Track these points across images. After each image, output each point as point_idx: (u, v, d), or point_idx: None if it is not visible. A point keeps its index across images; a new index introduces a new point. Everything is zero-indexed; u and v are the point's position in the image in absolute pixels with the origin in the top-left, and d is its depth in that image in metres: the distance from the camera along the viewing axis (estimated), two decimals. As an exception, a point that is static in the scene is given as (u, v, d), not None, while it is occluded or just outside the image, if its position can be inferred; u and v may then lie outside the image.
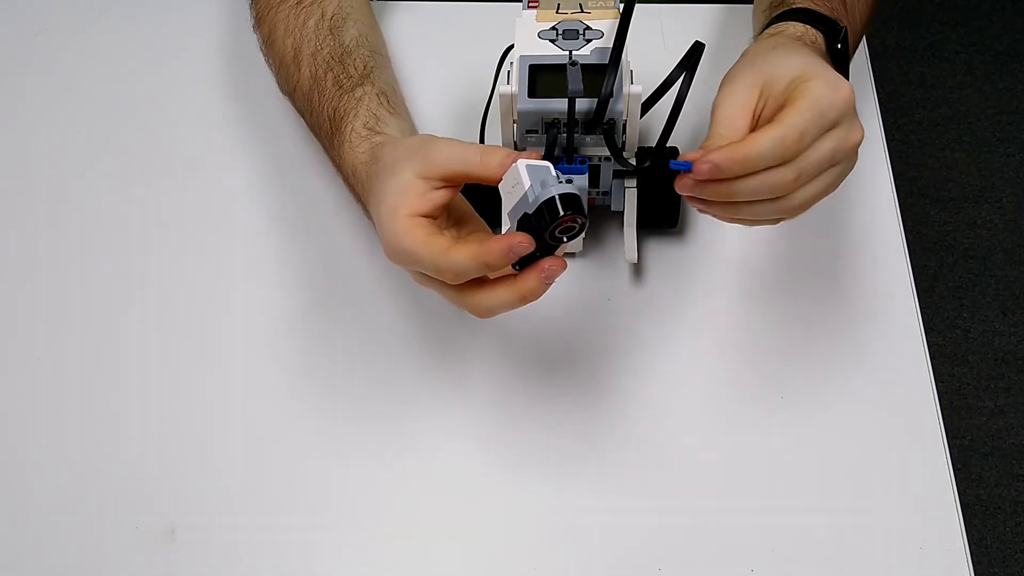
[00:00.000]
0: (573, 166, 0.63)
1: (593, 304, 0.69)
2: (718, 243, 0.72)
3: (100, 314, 0.70)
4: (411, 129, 0.65)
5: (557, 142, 0.61)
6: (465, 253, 0.51)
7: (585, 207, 0.52)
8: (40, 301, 0.71)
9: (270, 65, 0.74)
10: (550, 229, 0.50)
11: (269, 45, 0.73)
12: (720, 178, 0.53)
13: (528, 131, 0.62)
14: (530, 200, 0.50)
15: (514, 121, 0.63)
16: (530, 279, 0.51)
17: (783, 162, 0.53)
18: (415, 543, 0.61)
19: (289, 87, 0.71)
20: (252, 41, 0.76)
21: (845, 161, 0.56)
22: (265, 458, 0.64)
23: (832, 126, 0.55)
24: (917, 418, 0.65)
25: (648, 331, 0.68)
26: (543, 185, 0.51)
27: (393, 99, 0.66)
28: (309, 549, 0.61)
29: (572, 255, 0.71)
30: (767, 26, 0.65)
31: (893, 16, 1.90)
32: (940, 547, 0.60)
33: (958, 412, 1.50)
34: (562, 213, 0.50)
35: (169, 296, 0.71)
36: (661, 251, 0.71)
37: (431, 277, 0.54)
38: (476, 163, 0.53)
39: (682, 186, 0.54)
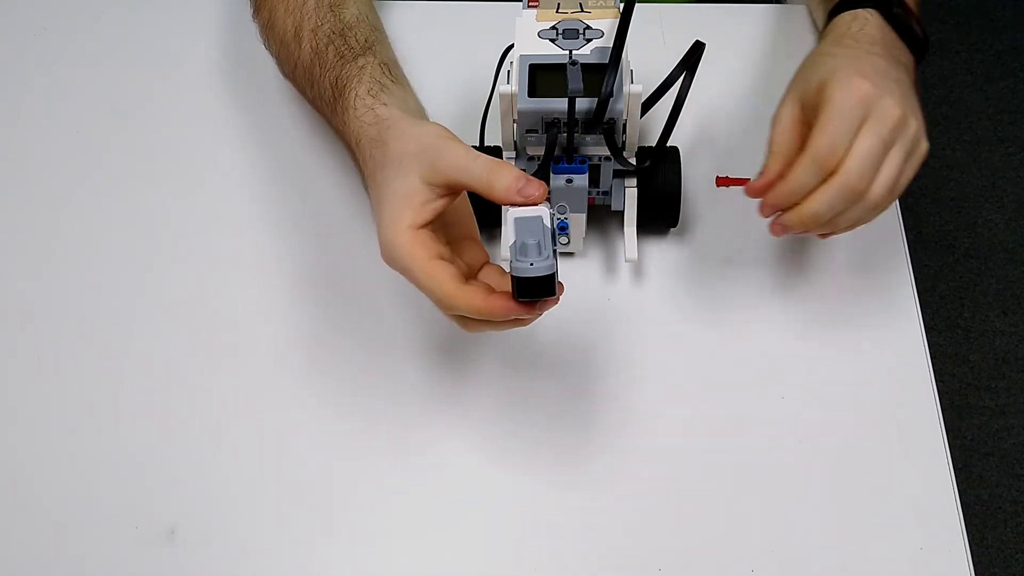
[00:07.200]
0: (573, 166, 0.63)
1: (593, 304, 0.69)
2: (718, 243, 0.72)
3: (100, 315, 0.70)
4: (413, 98, 0.64)
5: (557, 142, 0.61)
6: (467, 301, 0.51)
7: (555, 287, 0.50)
8: (40, 302, 0.71)
9: (270, 48, 0.74)
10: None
11: (269, 28, 0.73)
12: (783, 209, 0.58)
13: (528, 131, 0.62)
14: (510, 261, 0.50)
15: (514, 121, 0.63)
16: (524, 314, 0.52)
17: (831, 172, 0.56)
18: (415, 544, 0.61)
19: (290, 65, 0.71)
20: (253, 39, 0.76)
21: (902, 139, 0.58)
22: (266, 459, 0.64)
23: (862, 121, 0.57)
24: (917, 418, 0.65)
25: (648, 331, 0.68)
26: (521, 252, 0.49)
27: (395, 70, 0.65)
28: (309, 550, 0.61)
29: (571, 255, 0.71)
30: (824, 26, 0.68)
31: (894, 16, 1.90)
32: (941, 547, 0.60)
33: (958, 412, 1.50)
34: (521, 300, 0.50)
35: (169, 297, 0.71)
36: (661, 251, 0.71)
37: None
38: (482, 181, 0.52)
39: (774, 231, 0.60)
